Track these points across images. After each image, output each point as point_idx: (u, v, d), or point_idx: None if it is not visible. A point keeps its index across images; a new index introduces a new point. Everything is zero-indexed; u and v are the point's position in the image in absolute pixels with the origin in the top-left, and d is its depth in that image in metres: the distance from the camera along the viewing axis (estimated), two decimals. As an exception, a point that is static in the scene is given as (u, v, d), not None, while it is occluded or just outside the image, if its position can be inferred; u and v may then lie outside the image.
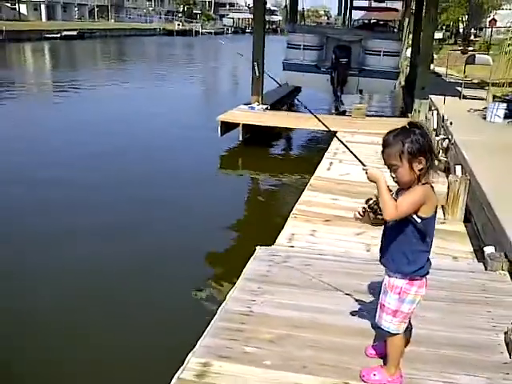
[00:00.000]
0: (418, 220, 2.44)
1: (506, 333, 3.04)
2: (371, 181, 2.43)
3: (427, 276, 2.59)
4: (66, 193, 7.67)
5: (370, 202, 2.52)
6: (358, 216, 2.59)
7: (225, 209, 7.44)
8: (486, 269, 4.07)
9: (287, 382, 2.67)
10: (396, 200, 2.41)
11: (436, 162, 2.44)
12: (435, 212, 2.50)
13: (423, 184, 2.42)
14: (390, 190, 2.43)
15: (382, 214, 2.48)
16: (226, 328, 3.13)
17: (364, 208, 2.55)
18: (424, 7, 11.26)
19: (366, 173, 2.45)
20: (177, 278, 5.30)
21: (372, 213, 2.53)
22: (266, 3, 13.75)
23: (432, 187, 2.45)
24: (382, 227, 2.62)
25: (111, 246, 6.01)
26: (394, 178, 2.46)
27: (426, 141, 2.38)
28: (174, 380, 2.66)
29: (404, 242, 2.51)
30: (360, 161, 2.57)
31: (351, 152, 2.70)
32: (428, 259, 2.59)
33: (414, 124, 2.45)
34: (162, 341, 4.19)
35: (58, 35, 48.86)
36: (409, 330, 3.03)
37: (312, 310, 3.34)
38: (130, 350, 4.15)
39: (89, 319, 4.54)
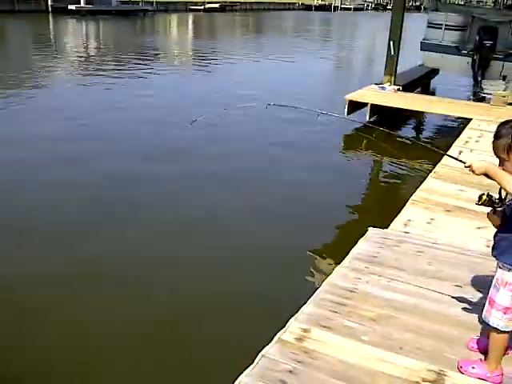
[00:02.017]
0: None
1: None
2: (479, 174, 2.36)
3: None
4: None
5: (483, 198, 2.45)
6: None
7: (343, 188, 7.52)
8: None
9: (382, 360, 2.73)
10: None
11: None
12: None
13: None
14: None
15: (499, 206, 2.43)
16: (329, 300, 3.26)
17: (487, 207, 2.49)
18: None
19: (471, 169, 2.37)
20: (287, 248, 5.56)
21: (490, 207, 2.48)
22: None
23: None
24: None
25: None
26: (502, 170, 2.38)
27: None
28: (275, 339, 2.87)
29: None
30: (458, 159, 2.52)
31: (449, 155, 2.69)
32: None
33: None
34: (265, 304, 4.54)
35: (202, 7, 51.57)
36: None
37: (417, 296, 3.35)
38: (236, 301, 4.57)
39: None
